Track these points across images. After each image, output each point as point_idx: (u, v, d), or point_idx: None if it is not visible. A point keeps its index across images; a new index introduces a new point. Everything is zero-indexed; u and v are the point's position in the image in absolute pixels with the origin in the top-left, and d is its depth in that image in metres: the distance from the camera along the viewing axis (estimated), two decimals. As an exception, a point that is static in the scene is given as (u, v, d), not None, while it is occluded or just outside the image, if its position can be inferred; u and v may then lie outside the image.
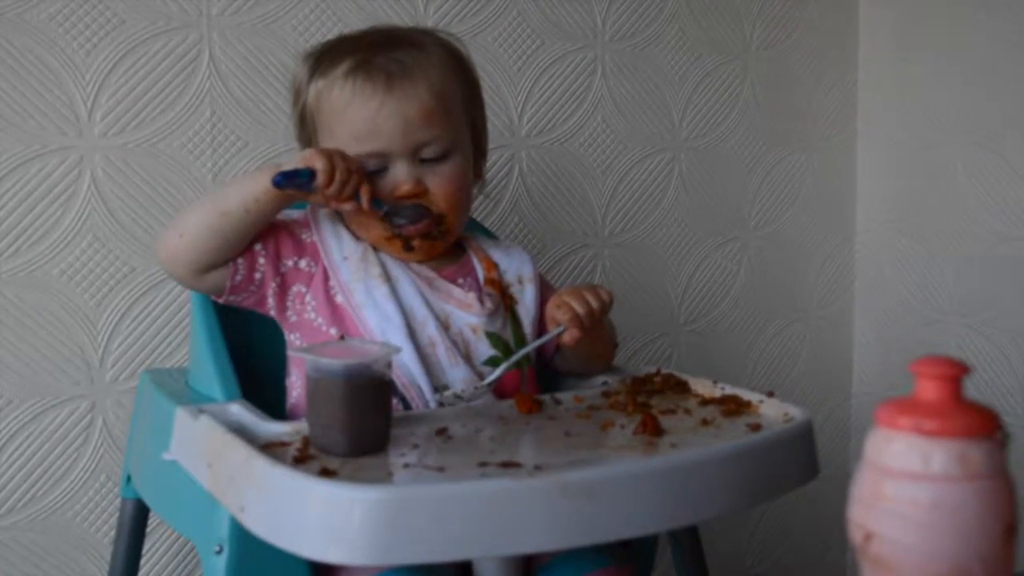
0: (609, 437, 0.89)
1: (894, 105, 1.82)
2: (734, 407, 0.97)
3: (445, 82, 1.09)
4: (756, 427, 0.90)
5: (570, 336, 1.05)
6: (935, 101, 1.74)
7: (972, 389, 0.61)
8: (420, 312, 1.07)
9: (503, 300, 1.13)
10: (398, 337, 1.03)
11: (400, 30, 1.15)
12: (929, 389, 0.61)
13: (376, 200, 1.05)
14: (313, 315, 1.07)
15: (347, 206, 1.03)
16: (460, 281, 1.13)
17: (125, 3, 1.31)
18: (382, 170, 1.07)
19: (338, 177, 1.00)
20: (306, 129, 1.13)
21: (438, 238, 1.10)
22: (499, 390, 1.07)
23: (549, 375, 1.19)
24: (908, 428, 0.60)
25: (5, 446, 1.29)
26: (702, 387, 1.05)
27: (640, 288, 1.69)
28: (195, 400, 1.03)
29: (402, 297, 1.07)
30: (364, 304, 1.05)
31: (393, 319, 1.05)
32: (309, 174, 0.99)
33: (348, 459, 0.83)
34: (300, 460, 0.82)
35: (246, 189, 1.01)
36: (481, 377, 1.06)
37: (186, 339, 1.34)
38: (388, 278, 1.08)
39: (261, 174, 1.01)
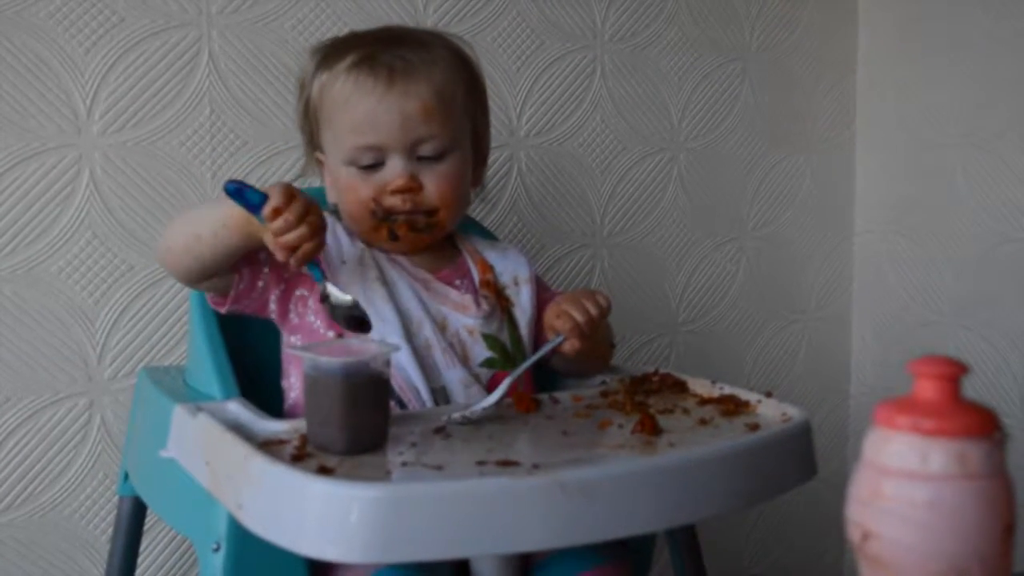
0: (607, 436, 0.89)
1: (893, 106, 1.82)
2: (732, 407, 0.97)
3: (448, 83, 1.09)
4: (754, 427, 0.90)
5: (570, 346, 1.05)
6: (934, 102, 1.74)
7: (970, 390, 0.61)
8: (416, 314, 1.07)
9: (499, 302, 1.13)
10: (395, 340, 1.04)
11: (410, 30, 1.16)
12: (928, 389, 0.61)
13: (314, 266, 0.98)
14: (312, 317, 1.07)
15: (281, 256, 0.95)
16: (457, 283, 1.13)
17: (124, 1, 1.31)
18: (378, 164, 1.07)
19: (285, 216, 0.92)
20: (309, 122, 1.13)
21: (424, 231, 1.09)
22: (496, 385, 1.07)
23: (546, 375, 1.19)
24: (907, 427, 0.60)
25: (2, 443, 1.29)
26: (700, 387, 1.05)
27: (639, 288, 1.69)
28: (193, 398, 1.03)
29: (399, 300, 1.07)
30: (364, 306, 1.05)
31: (390, 322, 1.05)
32: (260, 198, 0.93)
33: (346, 457, 0.83)
34: (298, 458, 0.82)
35: (216, 213, 0.99)
36: (477, 379, 1.07)
37: (184, 337, 1.34)
38: (385, 281, 1.08)
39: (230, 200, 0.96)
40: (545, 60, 1.58)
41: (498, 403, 0.97)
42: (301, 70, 1.16)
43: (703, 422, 0.93)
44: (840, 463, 1.91)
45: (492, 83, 1.53)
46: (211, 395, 1.03)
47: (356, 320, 0.98)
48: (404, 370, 1.03)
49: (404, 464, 0.82)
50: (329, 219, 1.12)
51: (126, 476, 1.20)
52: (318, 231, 0.95)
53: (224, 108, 1.37)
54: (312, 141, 1.15)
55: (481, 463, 0.80)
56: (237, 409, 0.95)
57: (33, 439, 1.30)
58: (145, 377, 1.17)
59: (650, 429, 0.89)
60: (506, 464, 0.80)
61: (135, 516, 1.22)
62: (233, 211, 0.96)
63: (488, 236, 1.29)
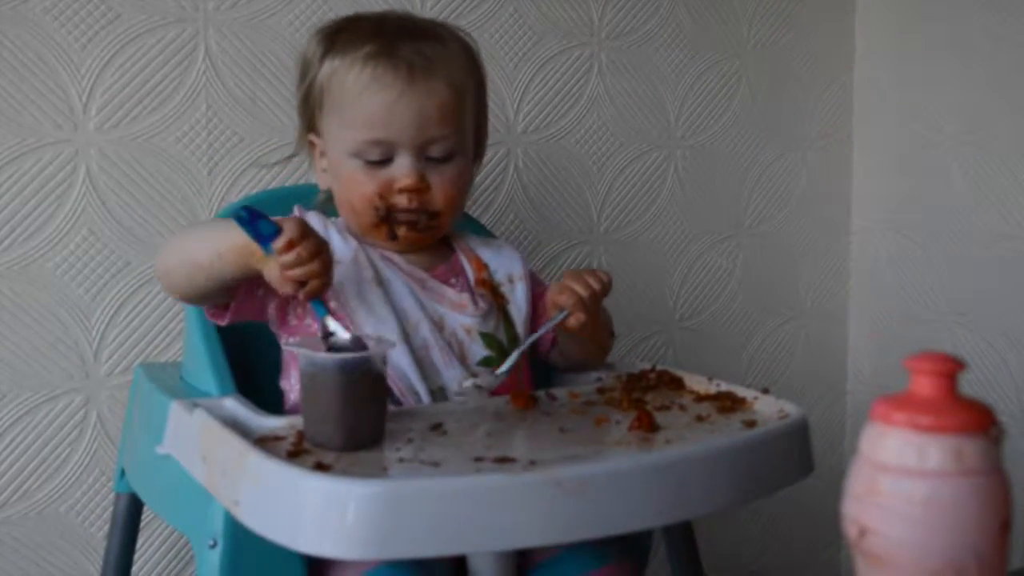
0: (604, 433, 0.89)
1: (890, 104, 1.82)
2: (729, 404, 0.97)
3: (463, 82, 1.08)
4: (751, 424, 0.90)
5: (575, 319, 1.03)
6: (931, 100, 1.74)
7: (967, 387, 0.61)
8: (414, 314, 1.06)
9: (495, 300, 1.13)
10: (392, 339, 1.03)
11: (420, 21, 1.13)
12: (924, 385, 0.61)
13: (319, 303, 0.96)
14: (310, 320, 1.06)
15: (288, 289, 0.95)
16: (452, 281, 1.12)
17: (121, -3, 1.31)
18: (385, 160, 1.06)
19: (298, 251, 0.92)
20: (310, 105, 1.11)
21: (425, 231, 1.08)
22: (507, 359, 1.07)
23: (545, 372, 1.19)
24: (903, 423, 0.60)
25: (-1, 440, 1.29)
26: (697, 384, 1.05)
27: (636, 285, 1.69)
28: (189, 394, 1.03)
29: (395, 300, 1.06)
30: (357, 308, 1.05)
31: (387, 322, 1.04)
32: (272, 230, 0.92)
33: (343, 453, 0.83)
34: (294, 454, 0.82)
35: (213, 242, 0.98)
36: (475, 377, 1.06)
37: (181, 334, 1.34)
38: (381, 281, 1.07)
39: (230, 226, 0.95)
40: (542, 57, 1.58)
41: (507, 373, 0.99)
42: (303, 51, 1.13)
43: (700, 419, 0.93)
44: (837, 459, 1.91)
45: (489, 80, 1.53)
46: (207, 391, 1.03)
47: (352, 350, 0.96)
48: (402, 370, 1.02)
49: (401, 460, 0.82)
50: (317, 218, 1.11)
51: (122, 473, 1.19)
52: (328, 268, 0.95)
53: (221, 104, 1.36)
54: (310, 124, 1.12)
55: (478, 459, 0.80)
56: (233, 405, 0.95)
57: (29, 436, 1.30)
58: (141, 373, 1.17)
59: (647, 426, 0.89)
60: (503, 461, 0.80)
61: (131, 513, 1.22)
62: (229, 241, 0.95)
63: (482, 233, 1.29)
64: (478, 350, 1.08)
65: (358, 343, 0.91)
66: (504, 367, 0.98)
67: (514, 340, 1.11)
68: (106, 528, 1.28)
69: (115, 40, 1.31)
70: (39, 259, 1.29)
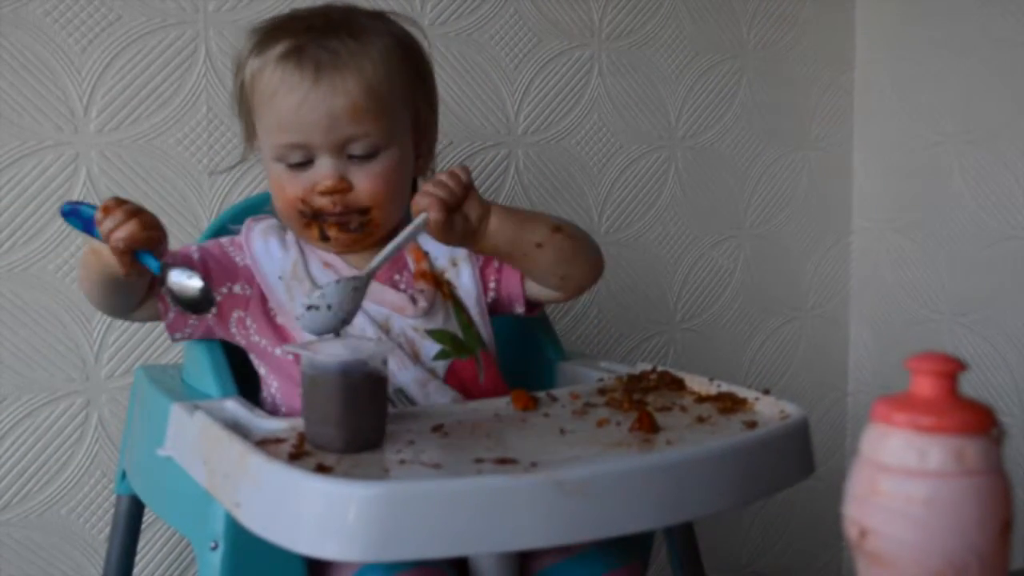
0: (605, 434, 0.89)
1: (890, 104, 1.82)
2: (730, 404, 0.97)
3: (382, 75, 1.03)
4: (752, 424, 0.90)
5: (435, 221, 0.96)
6: (931, 100, 1.74)
7: (967, 388, 0.61)
8: (357, 321, 1.03)
9: (439, 289, 1.10)
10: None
11: (351, 13, 1.08)
12: (925, 385, 0.61)
13: (150, 257, 0.92)
14: (257, 338, 1.06)
15: (118, 254, 0.91)
16: (396, 278, 1.09)
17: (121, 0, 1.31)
18: (307, 163, 1.04)
19: (113, 214, 0.90)
20: (243, 105, 1.09)
21: (359, 231, 1.06)
22: (456, 379, 1.06)
23: (513, 361, 1.17)
24: (904, 424, 0.60)
25: (0, 442, 1.29)
26: (698, 384, 1.05)
27: (636, 286, 1.69)
28: (190, 396, 1.03)
29: None
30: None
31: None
32: (93, 209, 0.92)
33: (344, 455, 0.83)
34: (296, 456, 0.82)
35: (83, 258, 0.99)
36: (433, 374, 1.05)
37: (182, 336, 1.34)
38: None
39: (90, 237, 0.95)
40: (543, 58, 1.58)
41: (370, 274, 0.93)
42: (238, 50, 1.11)
43: (701, 420, 0.93)
44: (838, 460, 1.91)
45: (489, 81, 1.53)
46: (208, 393, 1.03)
47: (201, 300, 0.94)
48: None
49: (402, 462, 0.82)
50: (258, 234, 1.09)
51: (123, 475, 1.19)
52: (148, 226, 0.91)
53: (221, 106, 1.36)
54: (248, 126, 1.10)
55: (479, 461, 0.80)
56: (234, 407, 0.95)
57: (30, 438, 1.30)
58: (142, 375, 1.17)
59: (648, 427, 0.89)
60: (504, 462, 0.80)
61: (133, 515, 1.22)
62: (86, 248, 0.96)
63: None
64: (430, 346, 1.06)
65: (205, 290, 0.92)
66: (372, 265, 0.92)
67: (469, 325, 1.09)
68: (107, 530, 1.28)
69: (116, 42, 1.31)
70: (40, 261, 1.29)
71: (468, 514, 0.72)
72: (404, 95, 1.07)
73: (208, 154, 1.36)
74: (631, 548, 1.05)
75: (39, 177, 1.28)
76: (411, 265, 1.11)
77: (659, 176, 1.70)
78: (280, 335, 1.05)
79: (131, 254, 0.91)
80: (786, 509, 1.86)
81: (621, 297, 1.67)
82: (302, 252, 1.09)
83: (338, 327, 0.93)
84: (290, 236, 1.10)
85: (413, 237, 0.97)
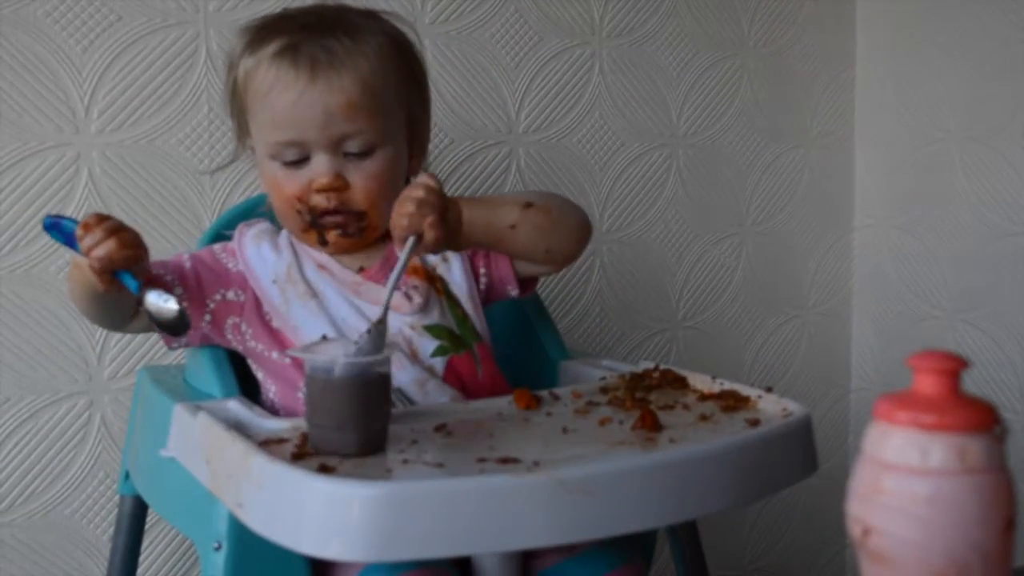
0: (607, 433, 0.89)
1: (892, 101, 1.82)
2: (732, 403, 0.97)
3: (377, 73, 1.03)
4: (754, 422, 0.90)
5: (435, 240, 0.95)
6: (933, 97, 1.74)
7: (970, 385, 0.61)
8: (352, 321, 1.03)
9: (432, 285, 1.10)
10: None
11: (344, 12, 1.09)
12: (927, 383, 0.61)
13: (130, 276, 0.93)
14: (254, 343, 1.06)
15: (101, 276, 0.92)
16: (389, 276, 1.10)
17: (122, 0, 1.31)
18: (302, 160, 1.04)
19: (93, 232, 0.90)
20: (236, 106, 1.09)
21: (355, 235, 1.06)
22: (455, 377, 1.06)
23: (515, 359, 1.17)
24: (906, 422, 0.60)
25: (3, 443, 1.29)
26: (700, 383, 1.05)
27: (638, 284, 1.69)
28: (193, 397, 1.03)
29: (331, 311, 1.05)
30: (296, 324, 1.04)
31: (328, 335, 1.01)
32: (75, 224, 0.92)
33: (345, 457, 0.83)
34: (298, 456, 0.82)
35: (70, 274, 0.99)
36: (432, 372, 1.05)
37: (184, 336, 1.34)
38: (314, 294, 1.06)
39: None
40: (544, 56, 1.58)
41: (389, 298, 0.91)
42: (230, 49, 1.10)
43: (703, 418, 0.93)
44: (841, 458, 1.91)
45: (490, 79, 1.53)
46: (211, 394, 1.03)
47: (176, 323, 0.94)
48: None
49: (405, 462, 0.82)
50: (250, 239, 1.10)
51: (127, 475, 1.19)
52: (129, 245, 0.92)
53: (222, 106, 1.36)
54: (241, 126, 1.11)
55: (482, 460, 0.80)
56: (237, 408, 0.95)
57: (33, 439, 1.30)
58: (145, 376, 1.17)
59: (650, 425, 0.89)
60: (507, 461, 0.80)
61: (136, 515, 1.22)
62: (71, 265, 0.96)
63: None
64: (428, 343, 1.06)
65: (182, 313, 0.93)
66: (384, 303, 0.89)
67: (464, 320, 1.09)
68: (111, 531, 1.28)
69: (117, 43, 1.31)
70: (43, 262, 1.29)
71: (471, 513, 0.72)
72: (398, 93, 1.07)
73: (209, 154, 1.36)
74: (634, 547, 1.05)
75: (40, 178, 1.28)
76: None
77: (661, 174, 1.70)
78: (276, 339, 1.05)
79: (110, 273, 0.91)
80: (789, 507, 1.86)
81: (623, 295, 1.67)
82: (296, 255, 1.09)
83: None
84: (283, 239, 1.10)
85: (408, 262, 0.95)
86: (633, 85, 1.66)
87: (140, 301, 0.93)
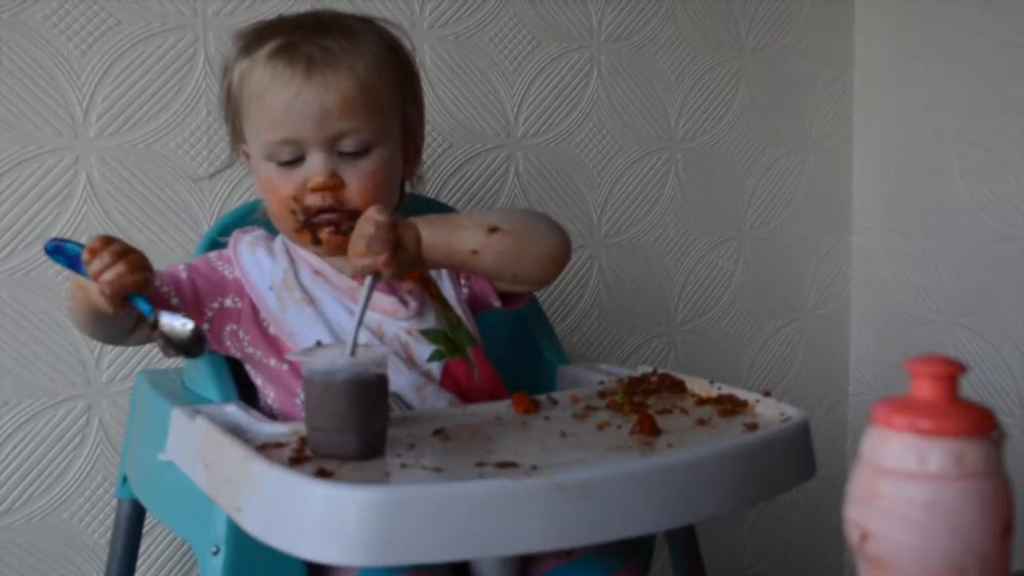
0: (606, 437, 0.89)
1: (890, 105, 1.82)
2: (730, 407, 0.97)
3: (373, 75, 1.03)
4: (753, 427, 0.90)
5: (390, 276, 0.94)
6: (931, 101, 1.74)
7: (968, 389, 0.61)
8: (348, 327, 1.02)
9: (427, 289, 1.09)
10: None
11: (339, 16, 1.10)
12: (925, 388, 0.61)
13: (141, 299, 0.92)
14: (252, 349, 1.06)
15: (111, 299, 0.91)
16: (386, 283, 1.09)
17: (120, 4, 1.31)
18: (297, 160, 1.03)
19: (101, 256, 0.89)
20: (230, 110, 1.09)
21: (348, 233, 1.03)
22: (452, 381, 1.06)
23: (513, 364, 1.17)
24: (904, 427, 0.60)
25: (1, 446, 1.29)
26: (698, 387, 1.05)
27: (637, 288, 1.69)
28: (191, 401, 1.03)
29: (328, 317, 1.05)
30: (297, 332, 1.04)
31: (324, 341, 1.01)
32: (79, 248, 0.91)
33: (345, 460, 0.83)
34: (297, 461, 0.82)
35: (71, 293, 0.98)
36: (429, 377, 1.05)
37: (182, 340, 1.34)
38: (311, 300, 1.06)
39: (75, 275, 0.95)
40: (542, 60, 1.58)
41: (356, 336, 0.89)
42: (225, 54, 1.11)
43: (702, 422, 0.93)
44: (839, 462, 1.91)
45: (489, 83, 1.53)
46: (209, 398, 1.03)
47: (192, 344, 0.93)
48: None
49: (403, 466, 0.82)
50: (245, 246, 1.10)
51: (125, 479, 1.20)
52: (138, 268, 0.91)
53: (220, 110, 1.36)
54: (235, 131, 1.11)
55: (480, 464, 0.80)
56: (235, 412, 0.95)
57: (31, 442, 1.30)
58: (143, 380, 1.17)
59: (649, 430, 0.89)
60: (505, 465, 0.80)
61: (134, 519, 1.22)
62: (71, 284, 0.96)
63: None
64: (424, 348, 1.06)
65: (196, 330, 0.91)
66: (350, 342, 0.88)
67: (457, 324, 1.09)
68: (109, 534, 1.28)
69: (115, 47, 1.31)
70: (41, 266, 1.29)
71: (469, 518, 0.72)
72: (394, 96, 1.07)
73: (208, 158, 1.36)
74: (632, 550, 1.05)
75: (39, 182, 1.28)
76: None
77: (659, 178, 1.70)
78: (274, 345, 1.05)
79: (122, 297, 0.91)
80: (787, 511, 1.86)
81: (621, 299, 1.67)
82: (292, 260, 1.09)
83: None
84: (278, 245, 1.10)
85: (368, 300, 0.93)
86: (631, 89, 1.66)
87: (154, 325, 0.92)
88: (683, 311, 1.74)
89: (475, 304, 1.14)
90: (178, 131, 1.35)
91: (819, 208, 1.87)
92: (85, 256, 0.90)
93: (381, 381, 0.85)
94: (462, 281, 1.13)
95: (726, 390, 1.02)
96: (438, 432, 0.90)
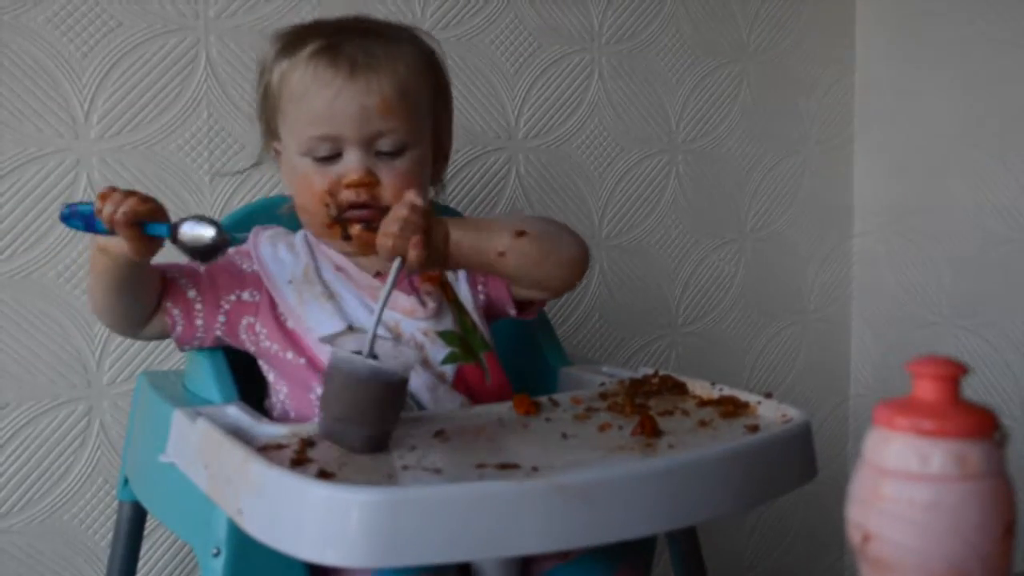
0: (607, 438, 0.89)
1: (891, 108, 1.82)
2: (732, 408, 0.97)
3: (411, 80, 1.07)
4: (754, 428, 0.90)
5: (417, 259, 0.95)
6: (932, 104, 1.74)
7: (969, 391, 0.61)
8: (368, 324, 1.00)
9: (444, 292, 1.10)
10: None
11: (379, 22, 1.13)
12: (927, 389, 0.61)
13: (155, 224, 0.93)
14: (268, 343, 1.06)
15: (132, 241, 0.92)
16: (405, 282, 1.10)
17: (122, 6, 1.31)
18: (334, 156, 1.05)
19: (111, 197, 0.91)
20: (267, 109, 1.11)
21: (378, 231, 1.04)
22: (464, 384, 1.06)
23: (515, 366, 1.17)
24: (906, 428, 0.60)
25: (2, 449, 1.29)
26: (700, 388, 1.05)
27: (638, 290, 1.69)
28: (192, 402, 1.03)
29: (348, 313, 1.05)
30: (315, 326, 1.04)
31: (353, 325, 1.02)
32: (91, 205, 0.93)
33: (346, 461, 0.83)
34: (298, 462, 0.82)
35: (92, 265, 0.99)
36: (442, 378, 1.05)
37: (183, 342, 1.34)
38: (331, 295, 1.06)
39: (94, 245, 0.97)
40: (543, 62, 1.58)
41: (378, 324, 0.89)
42: (262, 55, 1.13)
43: (703, 424, 0.93)
44: (840, 464, 1.91)
45: (490, 85, 1.54)
46: (210, 399, 1.03)
47: (212, 248, 0.94)
48: None
49: (404, 467, 0.82)
50: (265, 240, 1.10)
51: (126, 481, 1.19)
52: (148, 199, 0.92)
53: (222, 112, 1.36)
54: (270, 129, 1.12)
55: (481, 466, 0.80)
56: (236, 413, 0.95)
57: (32, 444, 1.30)
58: (144, 382, 1.17)
59: (650, 431, 0.89)
60: (506, 467, 0.80)
61: (135, 521, 1.22)
62: (92, 253, 0.97)
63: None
64: (439, 350, 1.06)
65: (220, 232, 0.92)
66: (372, 328, 0.88)
67: (473, 329, 1.10)
68: (109, 536, 1.28)
69: (116, 49, 1.31)
70: (41, 268, 1.29)
71: (470, 519, 0.72)
72: (429, 102, 1.10)
73: (209, 160, 1.36)
74: (633, 551, 1.05)
75: (40, 183, 1.28)
76: None
77: (660, 180, 1.70)
78: (291, 340, 1.05)
79: (139, 228, 0.91)
80: (788, 513, 1.86)
81: (623, 301, 1.67)
82: (313, 256, 1.10)
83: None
84: (298, 241, 1.11)
85: (395, 283, 0.94)
86: (632, 91, 1.66)
87: (175, 238, 0.93)
88: (684, 313, 1.74)
89: (491, 311, 1.15)
90: (179, 133, 1.35)
91: (820, 210, 1.87)
92: (97, 204, 0.91)
93: (403, 385, 0.86)
94: (479, 287, 1.14)
95: (728, 392, 1.02)
96: (439, 434, 0.90)
